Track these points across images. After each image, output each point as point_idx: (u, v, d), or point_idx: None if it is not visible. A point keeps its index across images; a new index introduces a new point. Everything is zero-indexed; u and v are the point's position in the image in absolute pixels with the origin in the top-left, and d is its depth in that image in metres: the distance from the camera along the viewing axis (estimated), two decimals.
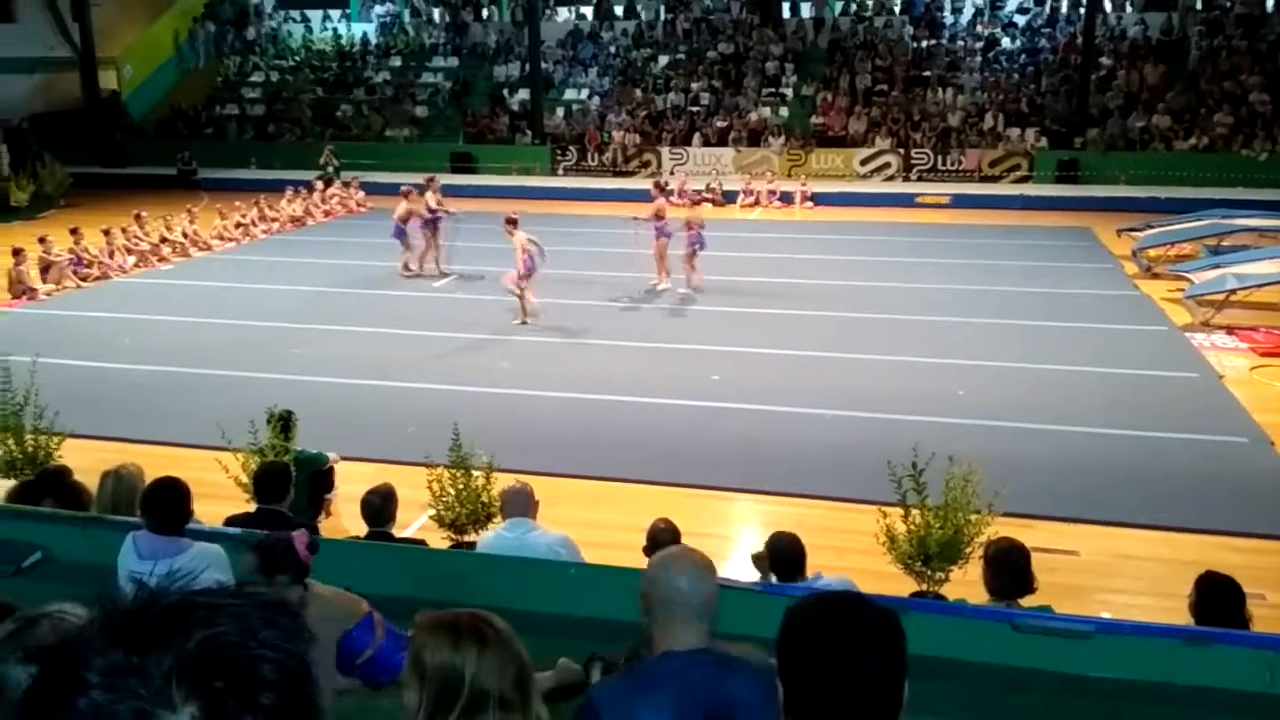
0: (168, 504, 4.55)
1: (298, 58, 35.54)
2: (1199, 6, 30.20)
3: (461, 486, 6.96)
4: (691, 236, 15.45)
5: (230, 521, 5.88)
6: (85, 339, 13.55)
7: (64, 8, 31.19)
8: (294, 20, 37.81)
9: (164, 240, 19.08)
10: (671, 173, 26.68)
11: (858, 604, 1.83)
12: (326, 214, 23.44)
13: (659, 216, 15.63)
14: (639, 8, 34.87)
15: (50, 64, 31.82)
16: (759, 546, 5.51)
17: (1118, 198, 23.45)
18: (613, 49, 32.91)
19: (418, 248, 17.14)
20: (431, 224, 16.99)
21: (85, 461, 7.51)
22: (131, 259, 18.17)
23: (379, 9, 37.70)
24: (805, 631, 1.80)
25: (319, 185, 24.18)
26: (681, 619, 2.50)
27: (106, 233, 17.98)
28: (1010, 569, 4.86)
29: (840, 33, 31.58)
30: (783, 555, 5.21)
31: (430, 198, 17.10)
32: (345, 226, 22.62)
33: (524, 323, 13.88)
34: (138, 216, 19.02)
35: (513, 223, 13.97)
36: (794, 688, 1.79)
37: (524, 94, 30.68)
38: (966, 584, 5.88)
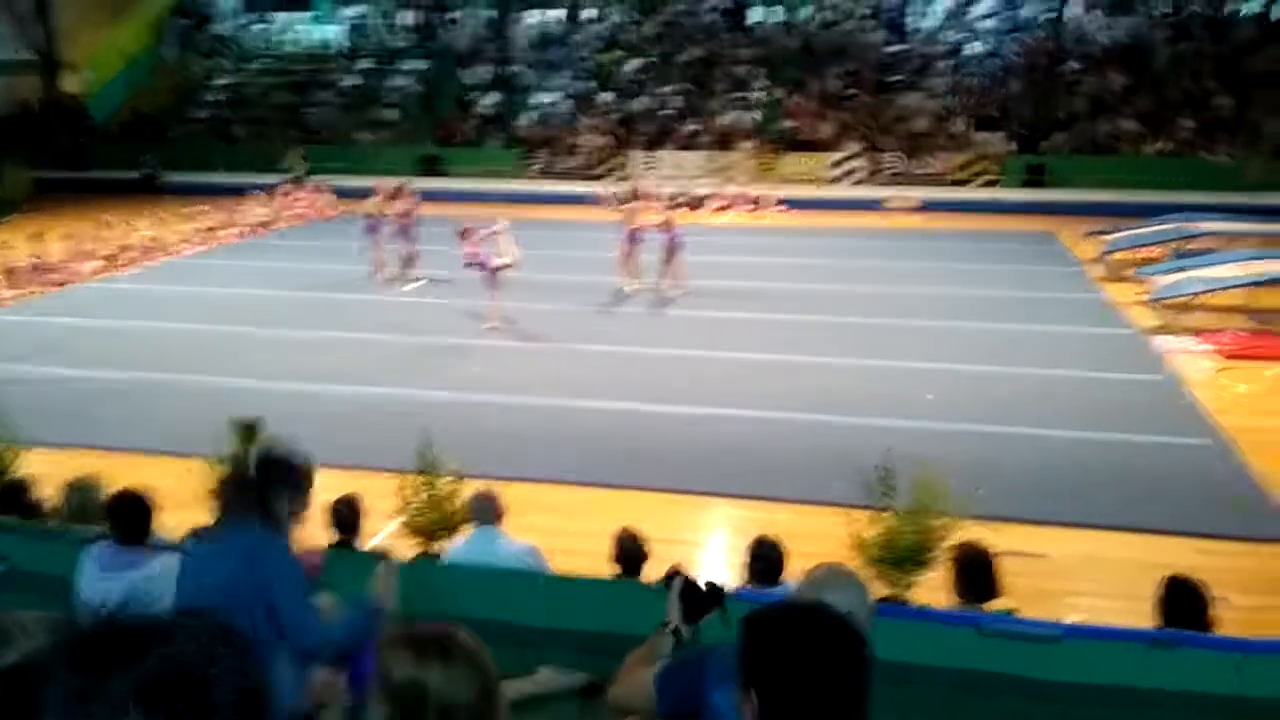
0: (130, 516, 4.50)
1: (264, 60, 35.26)
2: (1165, 11, 30.55)
3: (427, 494, 6.91)
4: (674, 236, 15.57)
5: (195, 533, 5.80)
6: (47, 344, 13.36)
7: (25, 11, 30.79)
8: (261, 23, 37.50)
9: (127, 245, 18.87)
10: (643, 176, 26.66)
11: (819, 611, 1.83)
12: (296, 217, 23.27)
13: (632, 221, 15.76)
14: (610, 10, 34.85)
15: (11, 67, 31.42)
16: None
17: (1084, 202, 23.67)
18: (583, 52, 32.88)
19: (392, 250, 17.01)
20: (404, 229, 16.89)
21: (46, 470, 7.39)
22: (95, 263, 17.96)
23: (347, 11, 37.48)
24: (769, 640, 1.79)
25: (287, 187, 24.01)
26: None
27: (68, 237, 17.75)
28: (974, 573, 4.88)
29: (810, 37, 31.70)
30: (766, 560, 5.21)
31: (398, 204, 16.96)
32: (313, 230, 22.46)
33: (495, 328, 13.81)
34: (102, 221, 18.81)
35: (464, 234, 14.02)
36: (763, 694, 1.79)
37: (494, 97, 30.60)
38: (935, 588, 5.89)
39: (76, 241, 17.88)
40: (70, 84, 32.02)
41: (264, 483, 3.68)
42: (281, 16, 37.46)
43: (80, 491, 5.73)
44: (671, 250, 15.61)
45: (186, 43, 35.74)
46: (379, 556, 4.64)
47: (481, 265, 13.79)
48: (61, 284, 16.97)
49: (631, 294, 15.78)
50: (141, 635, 1.01)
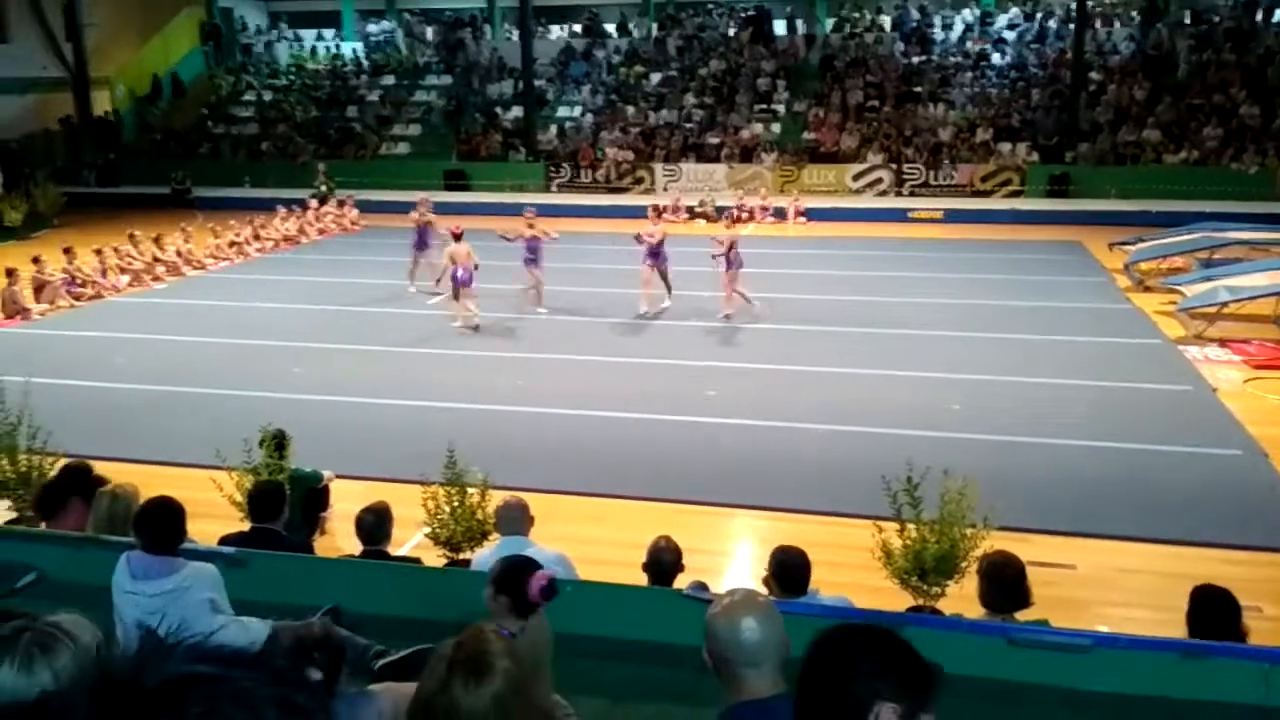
0: (161, 523, 4.52)
1: (290, 77, 35.62)
2: (1187, 21, 30.41)
3: (457, 504, 6.94)
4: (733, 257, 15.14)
5: (225, 541, 5.86)
6: (79, 358, 13.52)
7: (57, 28, 31.28)
8: (286, 39, 37.91)
9: (157, 260, 19.06)
10: (665, 189, 26.85)
11: (883, 634, 1.89)
12: (320, 232, 23.47)
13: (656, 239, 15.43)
14: (631, 25, 35.04)
15: (44, 84, 31.91)
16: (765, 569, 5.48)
17: (1109, 211, 23.56)
18: (605, 66, 33.04)
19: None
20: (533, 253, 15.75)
21: None
22: (125, 278, 18.16)
23: (372, 28, 37.82)
24: (832, 659, 1.85)
25: (313, 204, 24.22)
26: (747, 668, 2.42)
27: (98, 252, 17.96)
28: (1004, 583, 4.85)
29: (831, 49, 31.73)
30: (789, 569, 5.19)
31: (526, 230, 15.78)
32: (339, 245, 22.64)
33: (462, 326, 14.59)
34: (131, 236, 19.03)
35: (457, 236, 14.71)
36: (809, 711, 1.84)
37: (517, 111, 30.78)
38: (963, 598, 5.86)
39: (105, 256, 18.06)
40: (102, 101, 32.46)
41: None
42: (307, 34, 37.90)
43: (113, 500, 5.78)
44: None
45: (214, 61, 36.16)
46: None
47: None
48: (93, 298, 17.17)
49: (653, 314, 15.37)
50: (182, 687, 0.93)
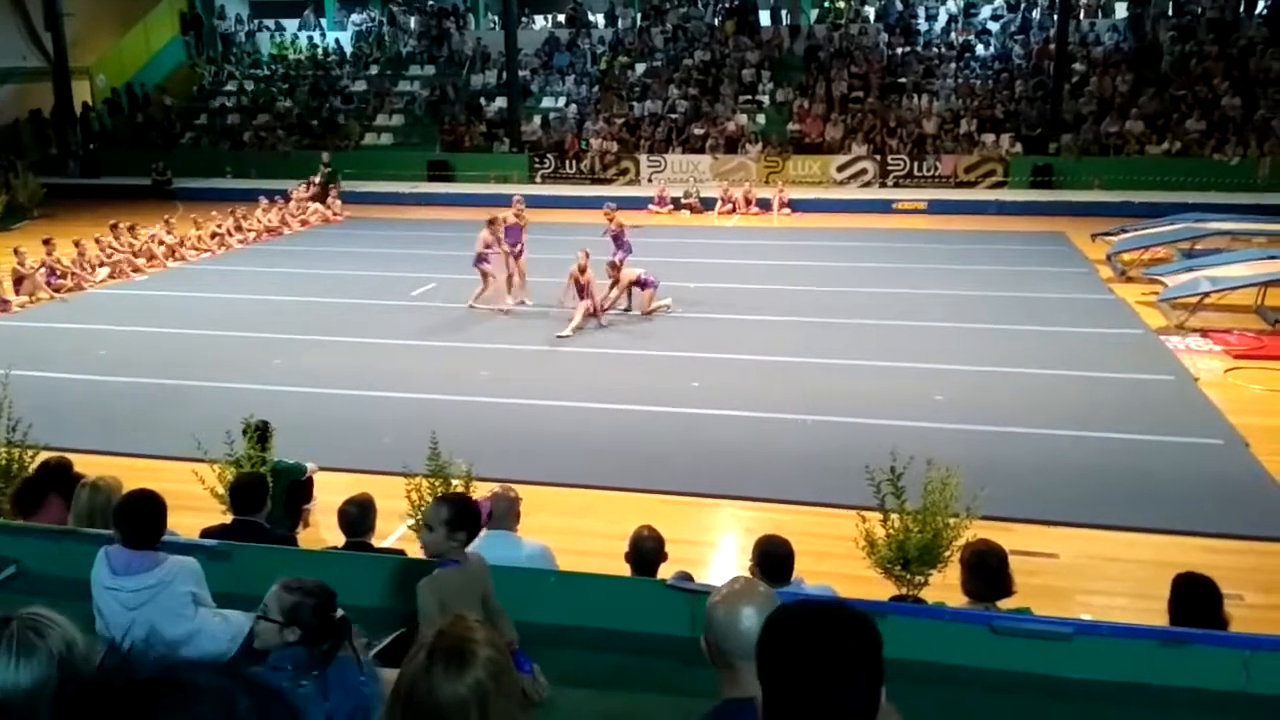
0: (141, 517, 4.48)
1: (273, 67, 35.39)
2: (1170, 12, 30.52)
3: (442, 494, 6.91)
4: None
5: (207, 533, 5.83)
6: (59, 351, 13.41)
7: (36, 18, 31.00)
8: (269, 29, 37.65)
9: (137, 252, 18.92)
10: (650, 180, 26.84)
11: (837, 609, 1.85)
12: (303, 224, 23.35)
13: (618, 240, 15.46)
14: (616, 15, 34.93)
15: (22, 74, 31.62)
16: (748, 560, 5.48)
17: (1092, 202, 23.66)
18: (590, 57, 32.95)
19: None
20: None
21: None
22: (105, 270, 18.02)
23: (355, 18, 37.59)
24: (787, 637, 1.80)
25: (299, 192, 24.18)
26: (744, 660, 2.31)
27: (77, 244, 17.82)
28: (986, 572, 4.86)
29: (816, 40, 31.72)
30: (773, 559, 5.19)
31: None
32: (321, 236, 22.54)
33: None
34: (114, 226, 18.89)
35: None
36: (774, 693, 1.80)
37: (501, 102, 30.67)
38: (946, 587, 5.88)
39: (84, 247, 17.92)
40: (82, 91, 32.18)
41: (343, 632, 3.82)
42: (290, 23, 37.63)
43: (94, 492, 5.73)
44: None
45: (195, 50, 35.88)
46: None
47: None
48: (73, 290, 17.04)
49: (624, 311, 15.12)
50: (154, 691, 0.88)
